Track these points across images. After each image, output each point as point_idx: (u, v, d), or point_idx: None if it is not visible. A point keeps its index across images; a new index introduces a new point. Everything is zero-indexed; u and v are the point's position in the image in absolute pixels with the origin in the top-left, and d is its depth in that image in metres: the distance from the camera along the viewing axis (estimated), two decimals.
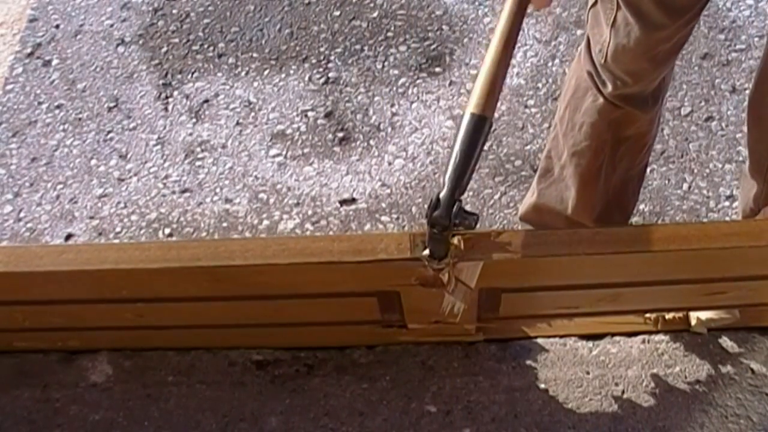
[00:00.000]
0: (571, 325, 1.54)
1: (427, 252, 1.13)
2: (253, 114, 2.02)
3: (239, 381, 1.54)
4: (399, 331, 1.48)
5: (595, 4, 1.28)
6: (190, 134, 1.99)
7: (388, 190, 1.84)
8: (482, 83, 1.09)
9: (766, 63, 1.32)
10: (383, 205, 1.82)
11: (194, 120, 2.02)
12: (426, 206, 1.10)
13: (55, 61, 2.17)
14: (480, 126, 1.08)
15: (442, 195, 1.07)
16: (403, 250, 1.16)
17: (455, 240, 1.13)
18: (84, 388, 1.55)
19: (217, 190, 1.88)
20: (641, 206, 1.76)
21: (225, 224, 1.82)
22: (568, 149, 1.44)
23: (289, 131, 1.97)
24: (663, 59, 1.29)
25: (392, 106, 2.00)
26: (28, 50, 2.20)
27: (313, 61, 2.11)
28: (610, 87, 1.31)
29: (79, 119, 2.04)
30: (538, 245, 1.17)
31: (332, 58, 2.11)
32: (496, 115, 1.94)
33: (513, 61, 2.04)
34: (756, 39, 2.04)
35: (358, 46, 2.13)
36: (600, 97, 1.34)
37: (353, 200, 1.84)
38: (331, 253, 1.18)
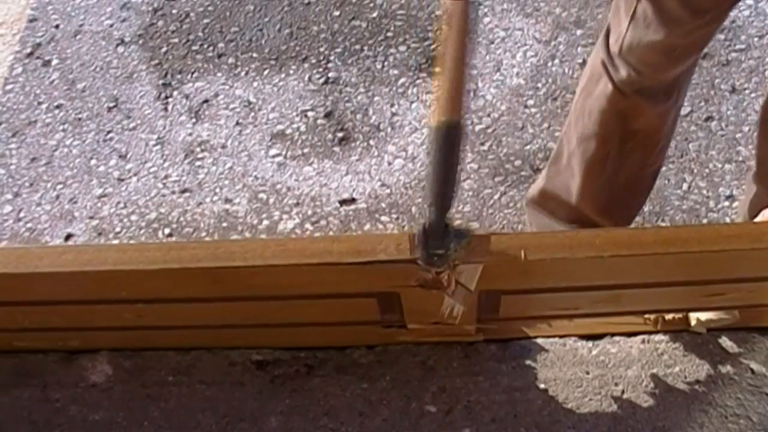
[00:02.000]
0: (571, 325, 1.54)
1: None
2: (252, 114, 2.02)
3: (239, 381, 1.54)
4: (399, 332, 1.49)
5: None
6: (190, 134, 1.99)
7: (388, 190, 1.84)
8: (446, 86, 1.02)
9: None
10: (383, 205, 1.82)
11: (194, 120, 2.02)
12: (416, 240, 1.04)
13: (54, 61, 2.17)
14: (453, 133, 1.01)
15: (430, 223, 1.01)
16: (402, 251, 1.16)
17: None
18: (84, 388, 1.55)
19: (217, 190, 1.88)
20: None
21: (225, 224, 1.82)
22: (577, 136, 1.42)
23: (289, 131, 1.97)
24: (680, 56, 1.27)
25: (392, 106, 2.00)
26: (28, 50, 2.20)
27: (313, 61, 2.11)
28: (622, 75, 1.29)
29: (79, 119, 2.04)
30: (537, 247, 1.17)
31: (332, 58, 2.11)
32: (495, 115, 1.96)
33: (513, 61, 2.05)
34: (756, 39, 2.04)
35: (358, 46, 2.13)
36: (610, 85, 1.32)
37: (353, 200, 1.84)
38: (331, 254, 1.18)
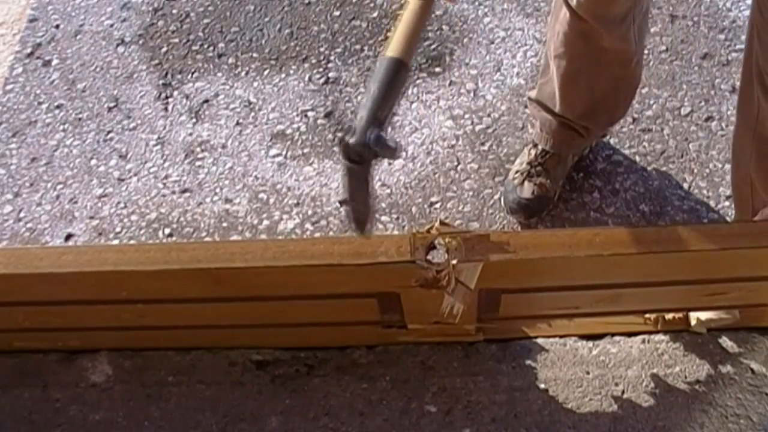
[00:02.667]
0: (571, 325, 1.54)
1: (342, 196, 1.04)
2: (253, 114, 2.02)
3: (239, 381, 1.54)
4: (399, 332, 1.49)
5: None
6: (190, 134, 1.99)
7: (388, 190, 1.84)
8: (402, 29, 1.05)
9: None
10: (383, 205, 1.82)
11: (194, 120, 2.02)
12: (338, 140, 1.01)
13: (55, 61, 2.17)
14: (396, 68, 1.03)
15: (358, 122, 0.99)
16: (403, 252, 1.16)
17: (454, 242, 1.13)
18: (84, 388, 1.55)
19: (217, 190, 1.88)
20: (641, 206, 1.76)
21: (225, 224, 1.82)
22: (552, 54, 1.59)
23: (289, 131, 1.97)
24: None
25: None
26: (28, 50, 2.21)
27: (313, 61, 2.11)
28: (575, 1, 1.43)
29: (79, 119, 2.04)
30: (537, 246, 1.17)
31: (332, 58, 2.11)
32: (495, 115, 1.96)
33: (513, 61, 2.05)
34: None
35: (358, 46, 2.13)
36: (567, 9, 1.47)
37: None
38: (331, 255, 1.18)
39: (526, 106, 1.96)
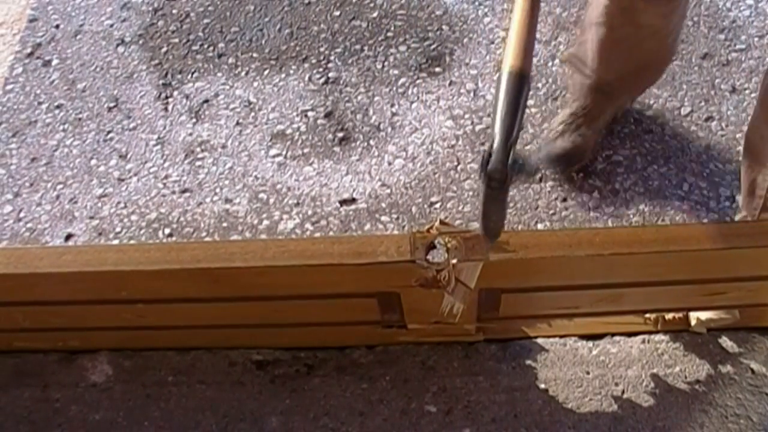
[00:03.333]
0: (571, 325, 1.54)
1: (478, 225, 1.04)
2: (253, 114, 2.02)
3: (239, 381, 1.54)
4: (399, 332, 1.49)
5: None
6: (190, 134, 1.99)
7: (388, 190, 1.84)
8: (515, 40, 1.04)
9: None
10: (383, 205, 1.82)
11: (194, 120, 2.02)
12: (479, 164, 1.00)
13: (55, 61, 2.17)
14: (520, 84, 1.03)
15: (494, 145, 0.99)
16: (403, 252, 1.16)
17: (454, 242, 1.13)
18: (84, 388, 1.55)
19: (217, 190, 1.88)
20: (641, 206, 1.76)
21: (225, 224, 1.82)
22: (591, 19, 1.63)
23: (289, 131, 1.97)
24: None
25: (392, 106, 1.99)
26: (28, 50, 2.21)
27: (313, 61, 2.11)
28: None
29: (79, 119, 2.04)
30: (537, 246, 1.17)
31: (332, 58, 2.11)
32: None
33: None
34: (756, 39, 2.04)
35: (358, 46, 2.13)
36: None
37: (353, 200, 1.84)
38: (332, 255, 1.18)
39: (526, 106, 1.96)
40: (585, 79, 1.76)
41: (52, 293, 1.31)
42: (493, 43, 2.10)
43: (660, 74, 1.81)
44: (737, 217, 1.67)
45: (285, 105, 2.03)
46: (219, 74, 2.10)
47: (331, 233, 1.78)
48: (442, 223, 1.18)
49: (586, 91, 1.77)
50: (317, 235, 1.78)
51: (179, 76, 2.11)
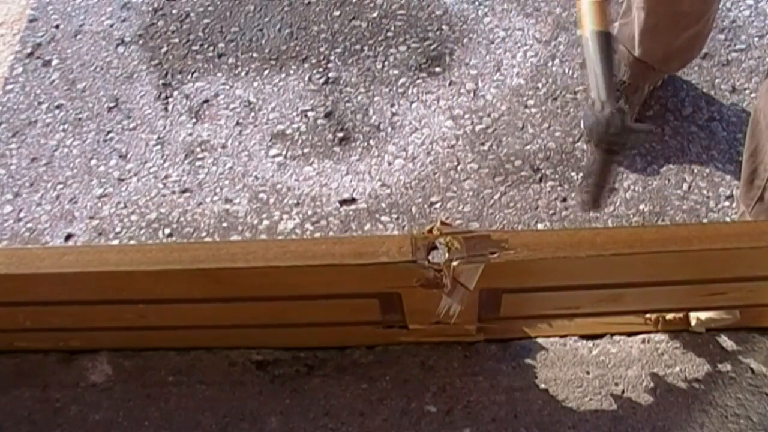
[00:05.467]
0: (571, 325, 1.54)
1: (582, 195, 1.07)
2: (253, 114, 2.02)
3: (239, 381, 1.54)
4: (399, 332, 1.49)
5: None
6: (190, 134, 1.99)
7: (388, 190, 1.84)
8: (589, 3, 1.09)
9: None
10: (383, 205, 1.82)
11: (194, 120, 2.02)
12: (588, 127, 0.98)
13: (55, 61, 2.17)
14: (608, 40, 1.07)
15: (605, 109, 1.00)
16: (404, 253, 1.16)
17: (456, 242, 1.13)
18: (84, 388, 1.55)
19: (217, 190, 1.88)
20: (641, 206, 1.76)
21: (225, 224, 1.82)
22: (635, 2, 1.67)
23: (289, 131, 1.97)
24: None
25: (392, 106, 2.00)
26: (28, 50, 2.20)
27: (313, 61, 2.11)
28: None
29: (79, 119, 2.04)
30: (538, 246, 1.17)
31: (332, 58, 2.11)
32: (495, 115, 1.96)
33: (513, 61, 2.05)
34: (756, 39, 2.04)
35: (358, 46, 2.13)
36: None
37: (353, 200, 1.84)
38: (333, 256, 1.18)
39: (526, 106, 1.96)
40: (628, 54, 1.81)
41: (54, 293, 1.31)
42: (493, 43, 2.11)
43: (700, 49, 1.84)
44: (736, 215, 1.67)
45: (285, 105, 2.03)
46: (219, 74, 2.10)
47: (331, 233, 1.78)
48: (443, 223, 1.18)
49: (629, 65, 1.82)
50: (317, 235, 1.78)
51: (179, 76, 2.11)
